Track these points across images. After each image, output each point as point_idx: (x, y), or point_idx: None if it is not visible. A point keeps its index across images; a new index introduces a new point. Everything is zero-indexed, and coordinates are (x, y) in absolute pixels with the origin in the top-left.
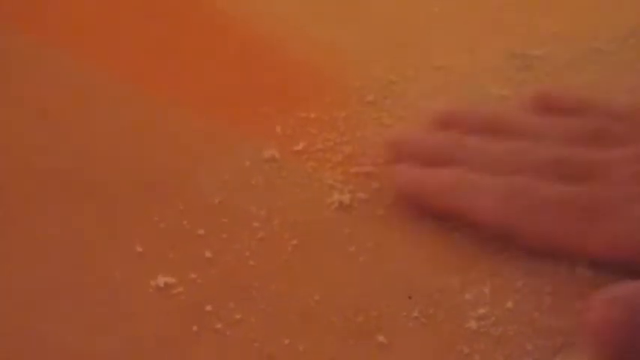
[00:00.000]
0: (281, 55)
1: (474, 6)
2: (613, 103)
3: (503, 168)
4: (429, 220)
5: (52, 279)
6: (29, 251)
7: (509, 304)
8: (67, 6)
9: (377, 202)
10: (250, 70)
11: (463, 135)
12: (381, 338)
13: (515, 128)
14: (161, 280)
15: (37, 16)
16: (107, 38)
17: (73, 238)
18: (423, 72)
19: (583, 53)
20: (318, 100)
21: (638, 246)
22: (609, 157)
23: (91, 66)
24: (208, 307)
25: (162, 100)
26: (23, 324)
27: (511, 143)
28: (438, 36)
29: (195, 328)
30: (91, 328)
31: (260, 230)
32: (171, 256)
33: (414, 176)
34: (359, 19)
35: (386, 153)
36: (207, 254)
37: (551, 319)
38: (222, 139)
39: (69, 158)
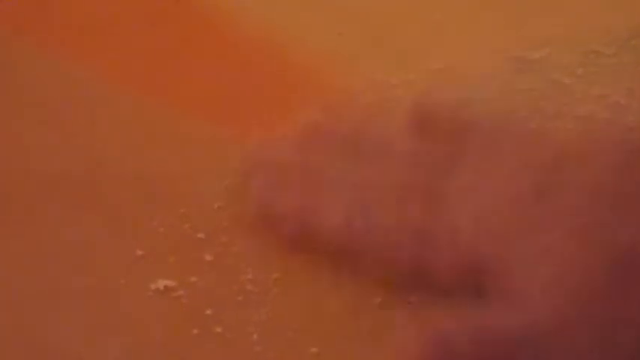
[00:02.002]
0: (281, 60)
1: (473, 9)
2: (479, 126)
3: (350, 187)
4: None
5: (52, 282)
6: (28, 253)
7: None
8: (69, 13)
9: None
10: (250, 74)
11: (321, 152)
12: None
13: (375, 147)
14: (161, 284)
15: (40, 23)
16: (109, 44)
17: (73, 242)
18: (423, 75)
19: (582, 56)
20: (319, 104)
21: (466, 266)
22: (449, 185)
23: (94, 71)
24: (208, 311)
25: (162, 104)
26: (22, 326)
27: (363, 166)
28: (437, 39)
29: (195, 331)
30: (91, 331)
31: (260, 233)
32: (172, 260)
33: (265, 196)
34: (358, 23)
35: (244, 163)
36: (208, 257)
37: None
38: (221, 143)
39: (68, 162)
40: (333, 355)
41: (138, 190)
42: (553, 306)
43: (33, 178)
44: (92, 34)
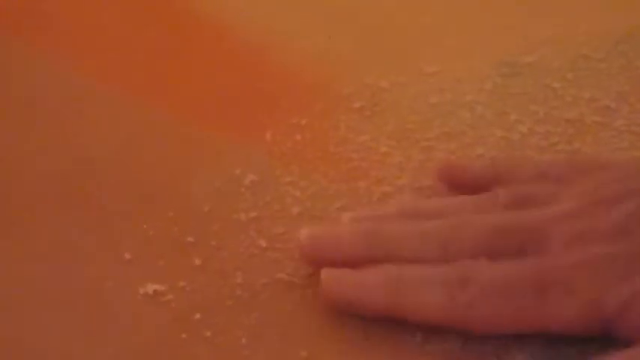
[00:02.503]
0: (272, 62)
1: (465, 13)
2: (530, 164)
3: (436, 251)
4: None
5: (40, 285)
6: (17, 256)
7: None
8: (69, 13)
9: None
10: (241, 77)
11: (382, 224)
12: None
13: (434, 210)
14: (150, 288)
15: (39, 23)
16: (103, 46)
17: (61, 245)
18: (414, 78)
19: (572, 60)
20: (309, 107)
21: (591, 316)
22: (544, 218)
23: (92, 72)
24: (197, 315)
25: (154, 107)
26: (9, 328)
27: (437, 222)
28: (429, 43)
29: (184, 335)
30: (80, 335)
31: (250, 238)
32: (161, 264)
33: (343, 280)
34: (350, 26)
35: (305, 261)
36: (197, 262)
37: None
38: (212, 146)
39: (57, 164)
40: (322, 359)
41: (126, 193)
42: None
43: (29, 179)
44: (91, 34)
